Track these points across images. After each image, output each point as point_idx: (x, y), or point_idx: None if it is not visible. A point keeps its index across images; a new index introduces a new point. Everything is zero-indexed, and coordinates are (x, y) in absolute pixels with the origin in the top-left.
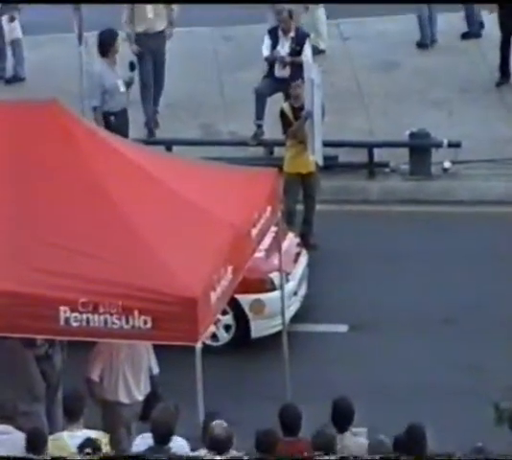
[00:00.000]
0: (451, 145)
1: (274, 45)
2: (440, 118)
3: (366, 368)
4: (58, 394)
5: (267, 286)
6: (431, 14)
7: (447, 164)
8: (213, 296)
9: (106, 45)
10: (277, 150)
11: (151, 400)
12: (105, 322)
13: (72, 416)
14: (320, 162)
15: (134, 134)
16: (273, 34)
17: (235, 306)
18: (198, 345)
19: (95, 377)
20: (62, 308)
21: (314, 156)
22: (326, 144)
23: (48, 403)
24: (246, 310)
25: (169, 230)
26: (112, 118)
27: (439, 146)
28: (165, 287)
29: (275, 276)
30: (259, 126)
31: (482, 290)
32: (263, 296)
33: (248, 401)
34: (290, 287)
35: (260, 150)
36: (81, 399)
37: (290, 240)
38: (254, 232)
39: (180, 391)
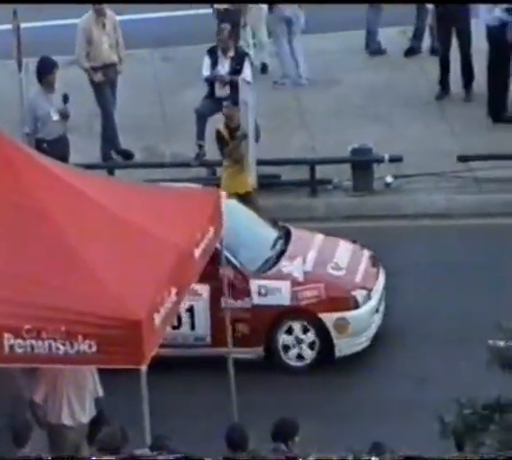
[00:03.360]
0: (392, 160)
1: (214, 65)
2: (381, 133)
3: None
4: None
5: (350, 304)
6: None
7: (389, 179)
8: (157, 318)
9: (42, 73)
10: (219, 171)
11: (97, 422)
12: (50, 348)
13: (20, 442)
14: (254, 183)
15: (76, 159)
16: (213, 53)
17: (319, 325)
18: (143, 368)
19: (38, 399)
20: (6, 335)
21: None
22: (267, 162)
23: None
24: (330, 328)
25: (111, 253)
26: (45, 145)
27: (381, 161)
28: (109, 311)
29: (359, 294)
30: (201, 147)
31: (428, 301)
32: (347, 314)
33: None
34: (371, 304)
35: (202, 171)
36: (29, 425)
37: (367, 257)
38: (197, 253)
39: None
